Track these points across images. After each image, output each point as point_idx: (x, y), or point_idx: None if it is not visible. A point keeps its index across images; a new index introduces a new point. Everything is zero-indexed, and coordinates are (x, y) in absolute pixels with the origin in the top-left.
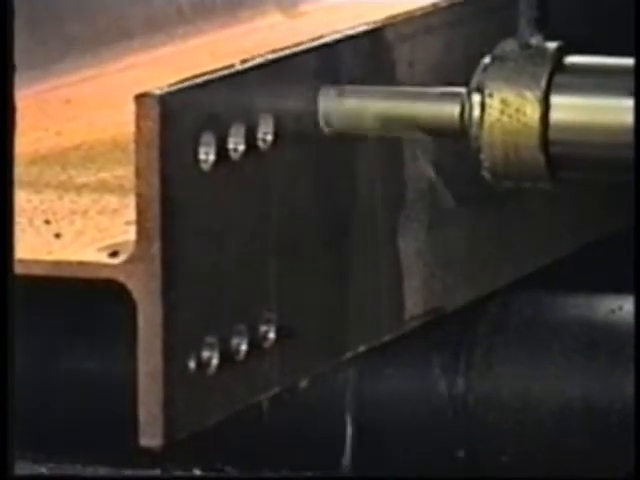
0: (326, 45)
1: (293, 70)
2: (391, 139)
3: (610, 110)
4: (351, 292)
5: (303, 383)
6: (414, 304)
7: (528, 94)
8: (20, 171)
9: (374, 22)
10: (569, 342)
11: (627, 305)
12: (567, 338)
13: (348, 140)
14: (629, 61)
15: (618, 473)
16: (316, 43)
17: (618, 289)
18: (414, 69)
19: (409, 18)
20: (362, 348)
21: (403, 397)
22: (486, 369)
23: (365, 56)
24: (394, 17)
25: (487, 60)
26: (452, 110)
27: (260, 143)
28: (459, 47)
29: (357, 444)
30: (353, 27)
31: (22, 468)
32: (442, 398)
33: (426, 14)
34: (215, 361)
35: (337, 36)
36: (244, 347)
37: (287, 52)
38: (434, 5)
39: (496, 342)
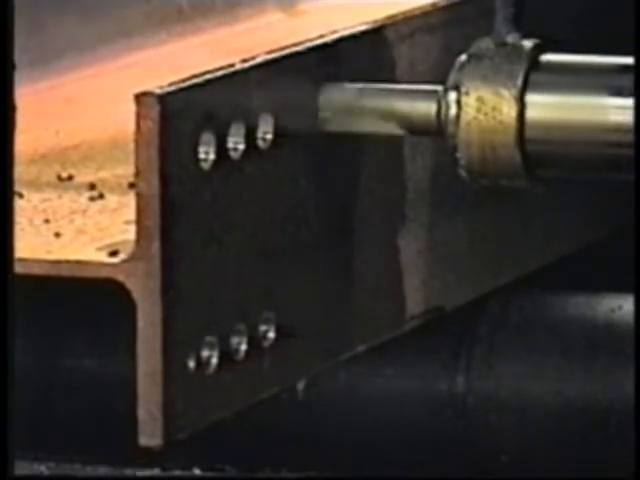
0: (326, 44)
1: (293, 69)
2: (391, 139)
3: (586, 108)
4: (351, 291)
5: (303, 383)
6: (414, 303)
7: (504, 92)
8: (20, 170)
9: (374, 21)
10: (569, 342)
11: (627, 305)
12: (567, 338)
13: (348, 140)
14: (606, 59)
15: (618, 473)
16: (316, 42)
17: (618, 289)
18: (414, 68)
19: (409, 17)
20: (362, 347)
21: (403, 397)
22: (486, 369)
23: (365, 55)
24: (394, 16)
25: (463, 58)
26: (429, 108)
27: (260, 142)
28: (458, 46)
29: (357, 444)
30: (353, 26)
31: (22, 468)
32: (442, 398)
33: (425, 13)
34: (215, 360)
35: (337, 35)
36: (244, 346)
37: (287, 51)
38: (433, 5)
39: (496, 342)
